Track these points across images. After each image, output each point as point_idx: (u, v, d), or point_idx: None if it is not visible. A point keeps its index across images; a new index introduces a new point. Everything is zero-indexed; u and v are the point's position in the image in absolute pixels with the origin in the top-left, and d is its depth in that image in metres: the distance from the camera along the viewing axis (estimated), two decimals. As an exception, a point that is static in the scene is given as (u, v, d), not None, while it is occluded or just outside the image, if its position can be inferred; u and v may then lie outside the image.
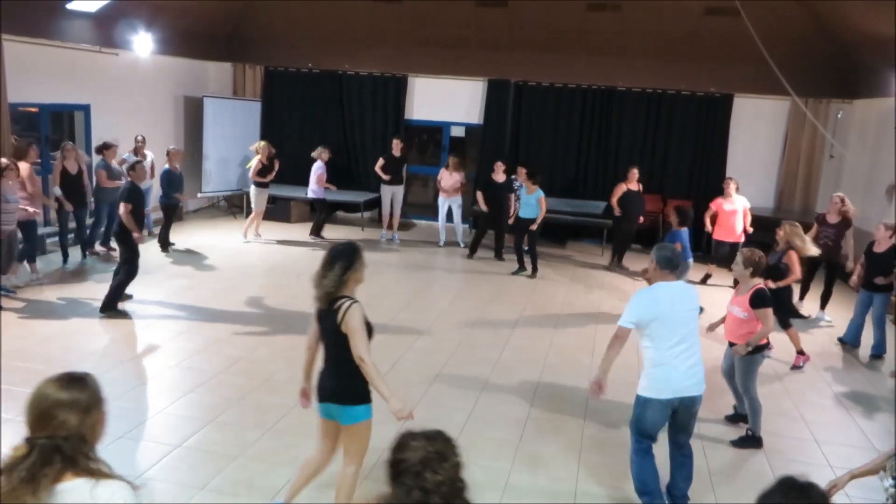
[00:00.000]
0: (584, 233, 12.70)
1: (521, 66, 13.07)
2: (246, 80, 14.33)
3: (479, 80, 13.42)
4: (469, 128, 14.25)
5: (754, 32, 9.52)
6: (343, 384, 3.85)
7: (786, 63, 10.25)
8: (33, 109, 10.37)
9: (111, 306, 7.59)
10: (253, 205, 11.65)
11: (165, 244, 10.57)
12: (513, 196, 11.32)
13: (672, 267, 4.42)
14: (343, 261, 3.85)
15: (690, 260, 8.37)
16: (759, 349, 5.40)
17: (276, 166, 11.58)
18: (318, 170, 11.89)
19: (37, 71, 9.95)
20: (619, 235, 11.26)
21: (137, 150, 11.03)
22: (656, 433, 4.43)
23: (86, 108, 11.05)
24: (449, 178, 11.80)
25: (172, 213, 10.75)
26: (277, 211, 12.93)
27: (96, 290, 8.61)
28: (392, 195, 12.23)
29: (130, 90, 11.81)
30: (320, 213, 12.15)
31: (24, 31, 9.51)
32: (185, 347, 6.93)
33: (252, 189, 11.58)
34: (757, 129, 12.69)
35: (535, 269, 10.49)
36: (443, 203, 11.93)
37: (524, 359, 7.15)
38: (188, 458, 4.89)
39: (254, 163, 11.47)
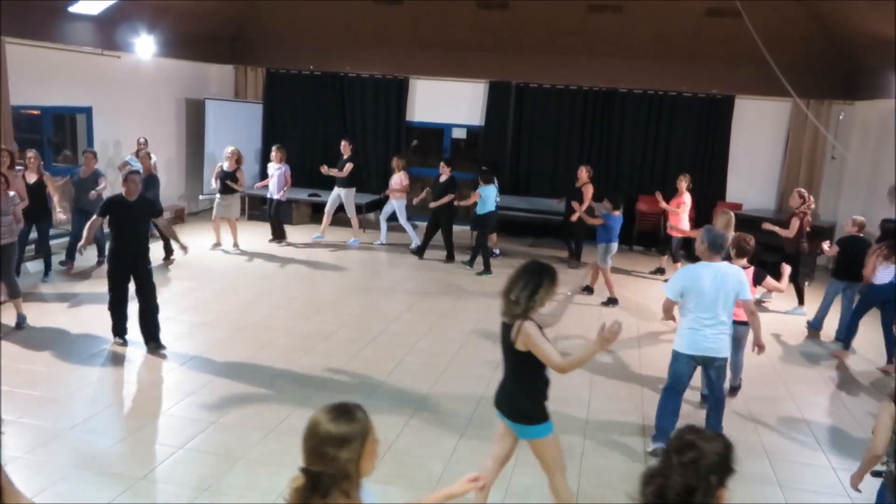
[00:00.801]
0: (586, 234, 12.68)
1: (523, 67, 13.08)
2: (248, 83, 14.34)
3: (481, 82, 13.44)
4: (471, 130, 14.26)
5: (755, 34, 9.53)
6: (518, 404, 3.91)
7: (787, 64, 10.25)
8: (35, 112, 10.40)
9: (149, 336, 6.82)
10: (226, 212, 11.09)
11: (167, 252, 10.12)
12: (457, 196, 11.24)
13: (718, 249, 5.20)
14: (537, 280, 3.77)
15: (615, 244, 9.21)
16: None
17: (240, 177, 10.91)
18: (284, 171, 11.55)
19: (39, 73, 9.96)
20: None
21: (139, 153, 11.05)
22: (682, 380, 5.32)
23: (88, 111, 11.07)
24: (394, 178, 11.78)
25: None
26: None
27: (96, 290, 8.64)
28: (339, 196, 11.90)
29: (132, 93, 11.83)
30: (279, 218, 11.76)
31: (26, 34, 9.52)
32: (187, 349, 6.92)
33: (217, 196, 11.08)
34: (758, 130, 12.68)
35: (471, 262, 10.75)
36: (388, 204, 11.94)
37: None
38: (191, 459, 4.89)
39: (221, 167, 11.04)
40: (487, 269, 10.53)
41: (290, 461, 4.94)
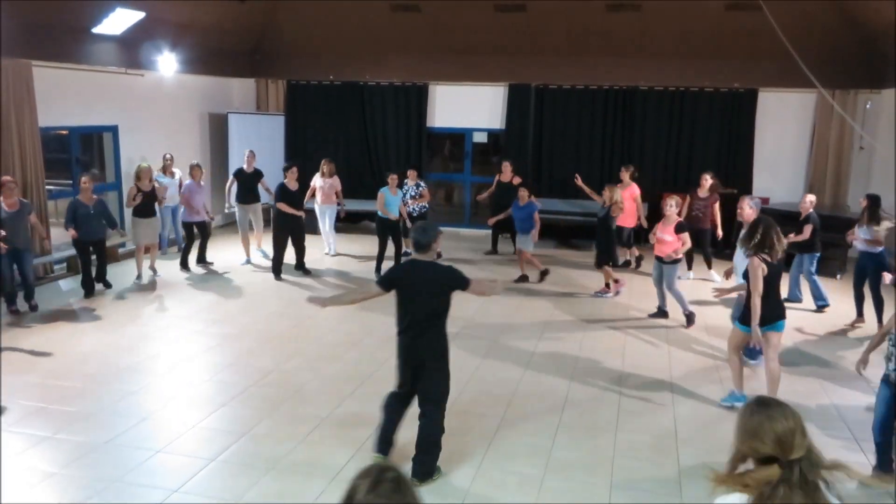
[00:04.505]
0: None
1: (542, 69, 13.05)
2: (269, 95, 14.48)
3: (500, 86, 13.43)
4: (492, 133, 14.25)
5: (776, 25, 9.39)
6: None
7: (811, 55, 10.09)
8: (63, 132, 10.59)
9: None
10: (132, 238, 10.08)
11: (94, 284, 9.24)
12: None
13: (758, 206, 6.97)
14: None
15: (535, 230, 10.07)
16: (677, 261, 8.19)
17: (161, 195, 10.12)
18: (193, 190, 10.42)
19: (65, 94, 10.15)
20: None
21: (166, 169, 11.19)
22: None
23: (114, 129, 11.25)
24: (321, 183, 11.39)
25: (90, 248, 9.16)
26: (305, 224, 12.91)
27: (126, 305, 8.75)
28: (249, 214, 11.10)
29: (156, 109, 12.00)
30: (194, 239, 10.56)
31: (51, 56, 9.71)
32: (217, 361, 7.00)
33: (132, 219, 9.96)
34: (783, 123, 12.52)
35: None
36: (320, 211, 11.50)
37: (554, 361, 7.13)
38: (224, 471, 4.93)
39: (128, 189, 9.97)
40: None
41: (322, 469, 5.00)
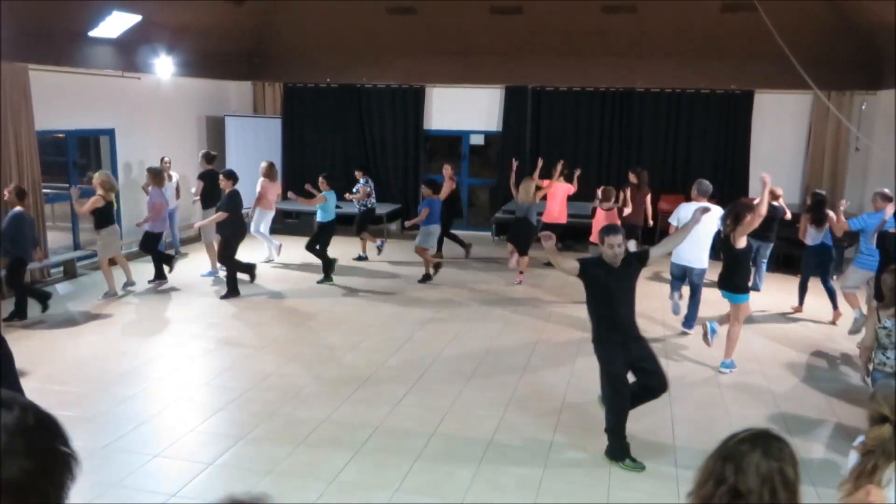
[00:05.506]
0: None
1: (538, 71, 13.08)
2: (266, 98, 14.48)
3: (497, 88, 13.45)
4: (489, 135, 14.26)
5: (771, 26, 9.41)
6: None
7: (806, 56, 10.11)
8: (60, 136, 10.57)
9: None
10: (99, 252, 9.16)
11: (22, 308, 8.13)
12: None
13: (704, 194, 7.85)
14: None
15: (438, 226, 10.39)
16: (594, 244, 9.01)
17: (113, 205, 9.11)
18: (159, 198, 9.70)
19: (62, 97, 10.15)
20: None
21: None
22: (679, 279, 8.04)
23: (110, 133, 11.24)
24: (258, 187, 11.02)
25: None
26: (301, 226, 12.97)
27: (124, 310, 8.74)
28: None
29: (153, 112, 11.99)
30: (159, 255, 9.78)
31: (48, 60, 9.70)
32: (215, 365, 7.01)
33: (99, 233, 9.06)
34: (780, 124, 12.55)
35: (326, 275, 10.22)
36: (258, 214, 11.05)
37: (552, 363, 7.14)
38: (222, 475, 4.93)
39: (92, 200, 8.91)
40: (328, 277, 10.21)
41: (320, 473, 4.99)
